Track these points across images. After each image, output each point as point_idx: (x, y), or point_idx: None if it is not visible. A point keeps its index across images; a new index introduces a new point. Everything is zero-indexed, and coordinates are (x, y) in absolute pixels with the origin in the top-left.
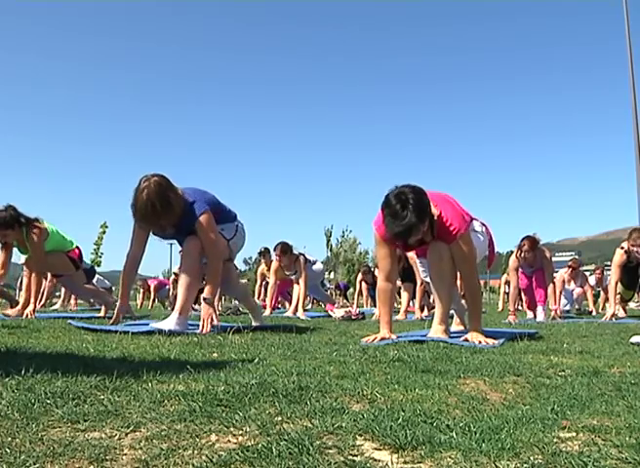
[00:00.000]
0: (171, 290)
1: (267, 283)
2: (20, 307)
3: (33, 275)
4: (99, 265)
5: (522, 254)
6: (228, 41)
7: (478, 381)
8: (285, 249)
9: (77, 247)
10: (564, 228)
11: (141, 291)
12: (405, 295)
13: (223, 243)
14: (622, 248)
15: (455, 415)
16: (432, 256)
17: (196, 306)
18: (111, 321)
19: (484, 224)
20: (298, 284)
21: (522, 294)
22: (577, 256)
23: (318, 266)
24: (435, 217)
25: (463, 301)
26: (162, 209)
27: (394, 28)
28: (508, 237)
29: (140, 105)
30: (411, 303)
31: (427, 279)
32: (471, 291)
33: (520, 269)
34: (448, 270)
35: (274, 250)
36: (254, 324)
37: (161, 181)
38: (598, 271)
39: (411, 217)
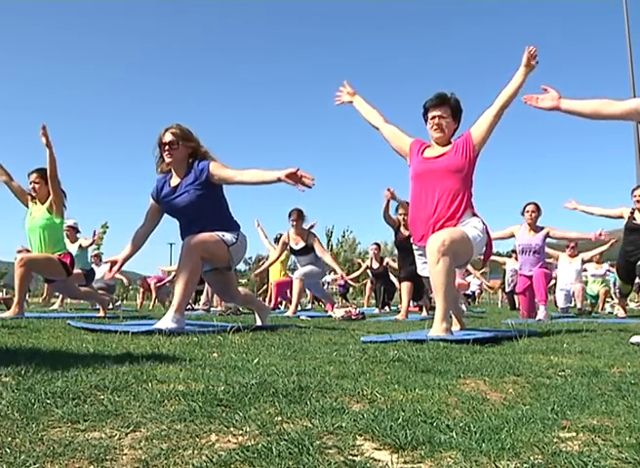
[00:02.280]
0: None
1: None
2: (14, 307)
3: (22, 271)
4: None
5: (530, 215)
6: (228, 41)
7: (478, 381)
8: (301, 214)
9: (69, 252)
10: (564, 228)
11: (141, 290)
12: (405, 293)
13: (224, 248)
14: (632, 210)
15: (455, 415)
16: (431, 253)
17: (196, 306)
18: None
19: (483, 222)
20: (300, 281)
21: (519, 298)
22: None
23: (321, 265)
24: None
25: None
26: (184, 131)
27: (394, 28)
28: (506, 243)
29: (139, 105)
30: (411, 303)
31: (423, 272)
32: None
33: (519, 271)
34: (448, 267)
35: (289, 216)
36: (257, 323)
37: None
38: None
39: (449, 95)
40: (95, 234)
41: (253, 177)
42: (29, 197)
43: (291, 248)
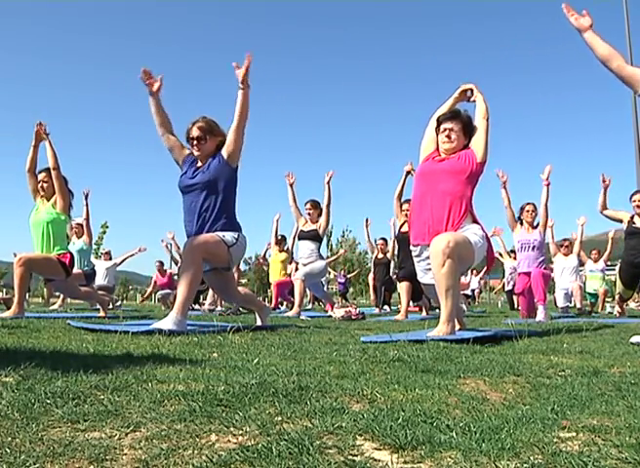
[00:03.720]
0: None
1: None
2: (14, 307)
3: (21, 271)
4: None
5: (530, 214)
6: (228, 41)
7: (478, 381)
8: (315, 204)
9: (69, 252)
10: (564, 228)
11: (154, 279)
12: (404, 293)
13: (224, 249)
14: (631, 215)
15: (455, 415)
16: (436, 255)
17: (196, 306)
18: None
19: (483, 230)
20: (302, 281)
21: (519, 299)
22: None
23: (322, 263)
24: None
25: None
26: (211, 125)
27: (395, 28)
28: (508, 238)
29: (140, 105)
30: (411, 303)
31: (424, 280)
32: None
33: (518, 268)
34: (453, 269)
35: (305, 204)
36: (257, 323)
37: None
38: (595, 252)
39: (462, 112)
40: (87, 196)
41: (238, 109)
42: (39, 195)
43: (301, 231)
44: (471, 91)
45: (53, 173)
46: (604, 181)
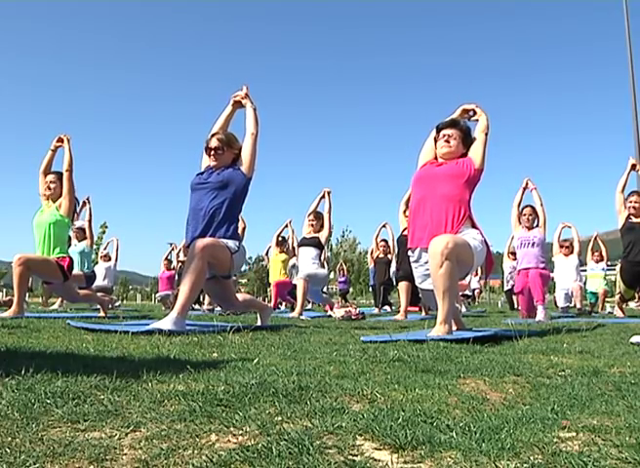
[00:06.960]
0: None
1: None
2: (14, 307)
3: (20, 271)
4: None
5: (527, 218)
6: (229, 41)
7: (478, 381)
8: (318, 215)
9: (69, 256)
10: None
11: (172, 254)
12: (403, 293)
13: (228, 255)
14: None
15: (455, 415)
16: (434, 255)
17: (196, 306)
18: None
19: (482, 235)
20: (304, 281)
21: (518, 298)
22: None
23: (325, 271)
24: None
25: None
26: (229, 138)
27: (393, 28)
28: (507, 238)
29: (139, 105)
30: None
31: (422, 285)
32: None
33: (518, 267)
34: (451, 270)
35: (308, 216)
36: (257, 323)
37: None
38: (597, 253)
39: (461, 122)
40: (85, 204)
41: (254, 124)
42: (44, 197)
43: (303, 237)
44: (473, 111)
45: (65, 174)
46: (634, 166)
